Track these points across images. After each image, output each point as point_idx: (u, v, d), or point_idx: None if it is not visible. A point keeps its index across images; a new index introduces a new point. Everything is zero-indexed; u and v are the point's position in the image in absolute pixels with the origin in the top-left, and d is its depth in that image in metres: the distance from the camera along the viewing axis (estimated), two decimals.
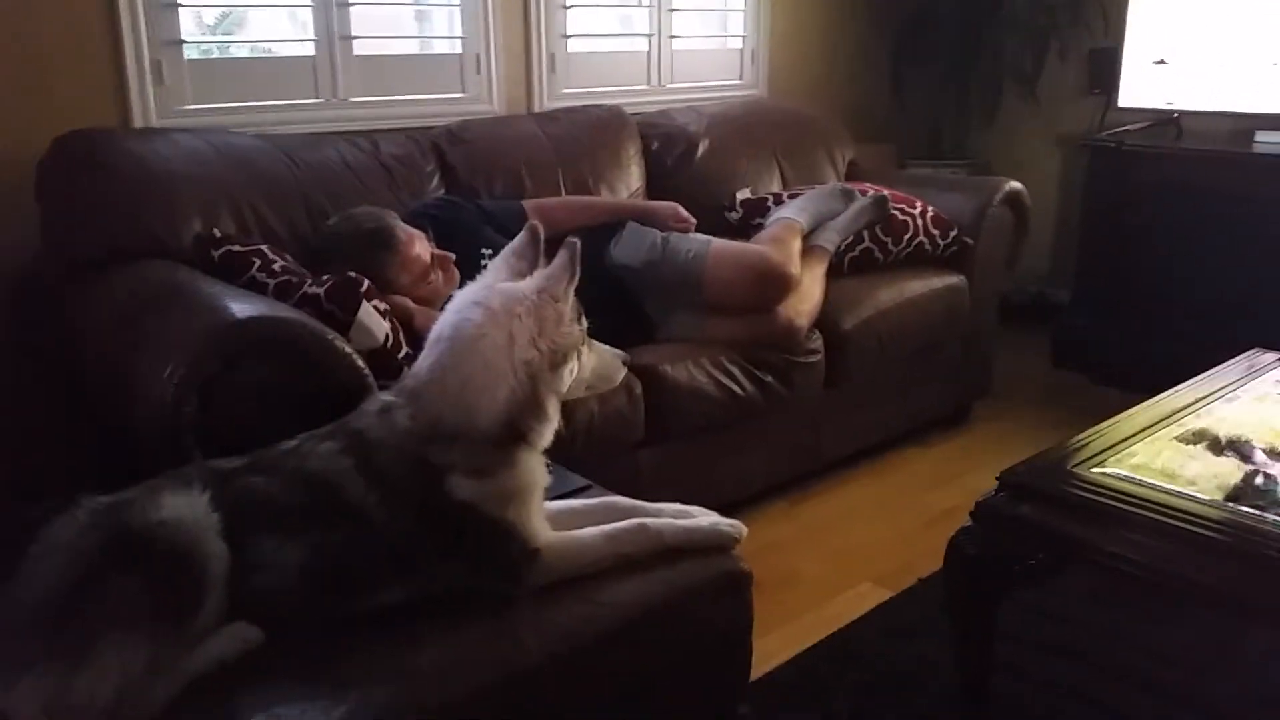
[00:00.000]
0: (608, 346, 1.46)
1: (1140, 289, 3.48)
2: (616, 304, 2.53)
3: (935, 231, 3.08)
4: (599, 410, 2.25)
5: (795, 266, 2.64)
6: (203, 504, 1.20)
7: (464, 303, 1.34)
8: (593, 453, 2.25)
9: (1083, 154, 3.67)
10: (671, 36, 3.59)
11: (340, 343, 1.77)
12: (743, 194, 3.22)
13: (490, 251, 2.36)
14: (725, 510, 2.54)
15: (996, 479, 1.72)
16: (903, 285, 2.97)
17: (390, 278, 2.15)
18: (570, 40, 3.33)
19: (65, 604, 1.11)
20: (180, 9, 2.53)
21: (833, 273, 2.88)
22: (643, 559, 1.38)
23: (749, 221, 3.07)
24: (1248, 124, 3.38)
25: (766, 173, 3.37)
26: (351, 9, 2.81)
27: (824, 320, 2.75)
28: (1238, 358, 2.33)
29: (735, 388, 2.53)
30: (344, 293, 1.96)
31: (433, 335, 1.35)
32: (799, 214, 2.91)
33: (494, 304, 1.32)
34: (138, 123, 2.48)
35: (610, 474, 2.30)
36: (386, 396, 1.33)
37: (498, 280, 1.37)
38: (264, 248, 2.18)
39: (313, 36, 2.77)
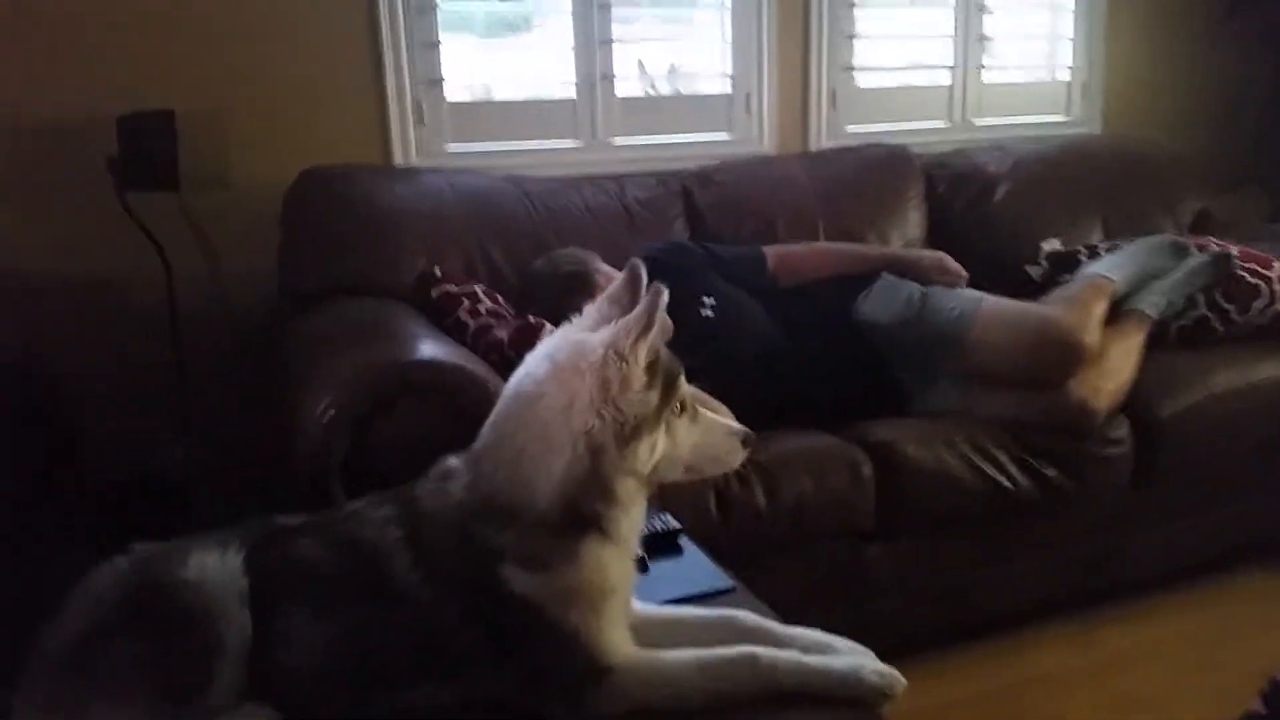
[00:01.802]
0: (723, 419, 1.14)
1: None
2: (863, 368, 2.21)
3: None
4: (812, 489, 1.93)
5: (1092, 334, 2.14)
6: (234, 565, 1.07)
7: (537, 355, 1.11)
8: (802, 541, 1.94)
9: None
10: (980, 68, 3.17)
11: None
12: (1049, 245, 2.72)
13: (713, 300, 2.15)
14: (982, 633, 2.19)
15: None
16: (1248, 365, 2.35)
17: None
18: (857, 74, 3.03)
19: (72, 658, 1.02)
20: (441, 47, 2.56)
21: (1154, 345, 2.32)
22: (745, 701, 1.05)
23: (1055, 278, 2.58)
24: None
25: (1082, 222, 2.84)
26: (614, 47, 2.72)
27: (1134, 403, 2.21)
28: None
29: (1002, 479, 2.09)
30: (525, 339, 1.81)
31: (504, 390, 1.14)
32: (1113, 270, 2.39)
33: (560, 358, 1.07)
34: (398, 160, 2.53)
35: (824, 570, 2.01)
36: (454, 459, 1.13)
37: (582, 329, 1.12)
38: (478, 289, 2.12)
39: (574, 79, 2.71)
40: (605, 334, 1.05)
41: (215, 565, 1.06)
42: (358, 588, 1.07)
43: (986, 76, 3.20)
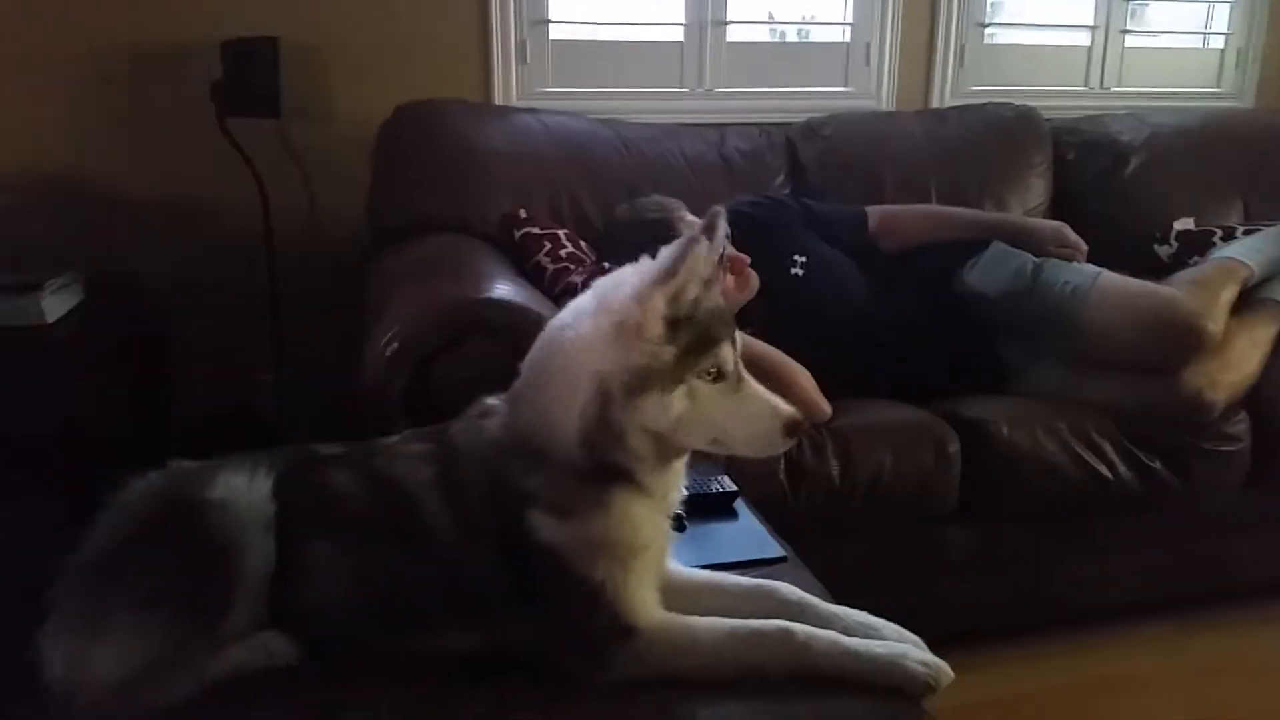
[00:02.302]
0: (771, 398, 1.03)
1: None
2: (962, 340, 2.09)
3: None
4: (891, 465, 1.83)
5: (1217, 320, 1.96)
6: (262, 490, 1.05)
7: (584, 294, 1.05)
8: (878, 518, 1.84)
9: None
10: (1124, 31, 2.94)
11: None
12: (1182, 224, 2.52)
13: (804, 259, 2.06)
14: (1060, 628, 2.06)
15: None
16: None
17: None
18: (989, 30, 2.85)
19: (99, 569, 1.02)
20: None
21: None
22: (778, 677, 0.99)
23: (1185, 259, 2.40)
24: None
25: (1221, 201, 2.62)
26: None
27: (1256, 398, 2.03)
28: None
29: (1103, 468, 1.94)
30: None
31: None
32: (1248, 255, 2.18)
33: (598, 296, 1.01)
34: (498, 100, 2.50)
35: (896, 551, 1.92)
36: (493, 400, 1.09)
37: (639, 274, 1.05)
38: (560, 233, 2.07)
39: (682, 21, 2.62)
40: (639, 276, 0.98)
41: (243, 488, 1.05)
42: (386, 524, 1.05)
43: (1130, 40, 2.96)
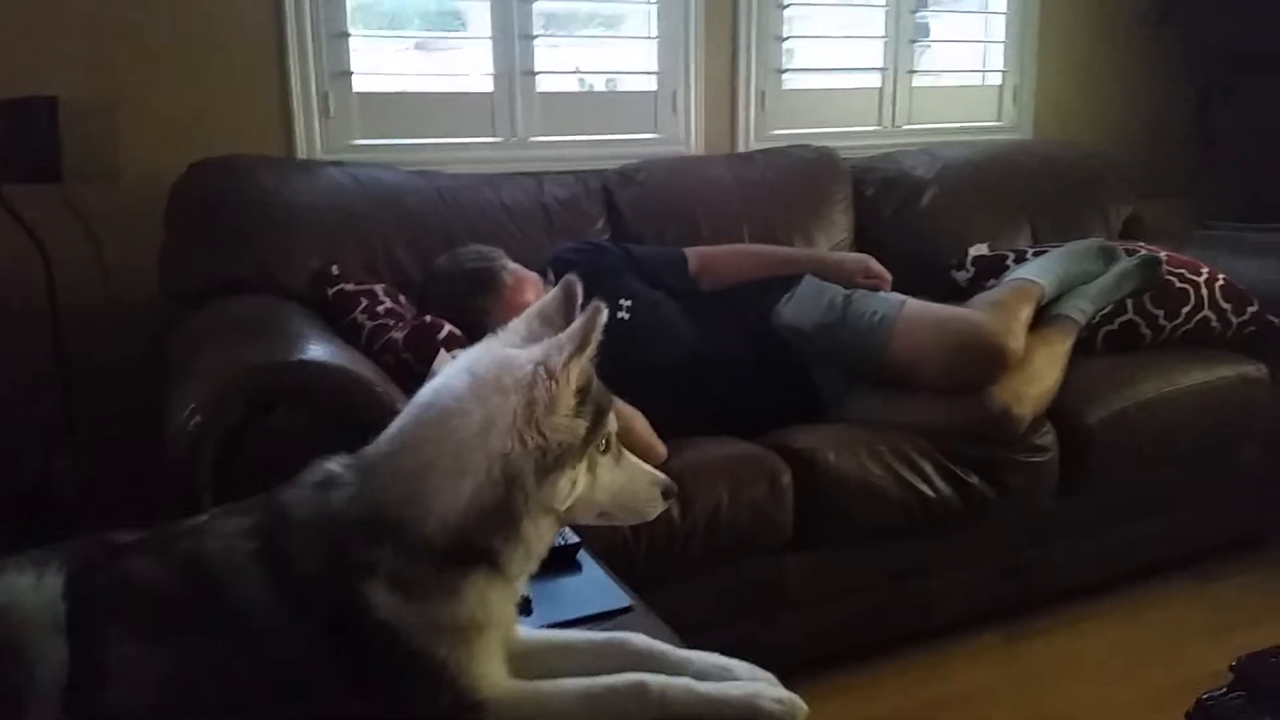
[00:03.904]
0: (645, 466, 1.04)
1: None
2: (784, 372, 2.13)
3: (1226, 305, 2.39)
4: (728, 500, 1.84)
5: (1016, 338, 2.09)
6: (51, 588, 0.94)
7: (457, 367, 1.00)
8: (717, 554, 1.85)
9: None
10: (911, 72, 3.13)
11: (392, 395, 1.51)
12: (977, 250, 2.68)
13: (629, 303, 2.07)
14: (902, 647, 2.10)
15: (1230, 667, 1.14)
16: (1176, 371, 2.32)
17: (492, 325, 1.87)
18: (785, 76, 2.97)
19: None
20: (351, 39, 2.45)
21: (1082, 350, 2.29)
22: None
23: (981, 282, 2.54)
24: None
25: (1011, 226, 2.81)
26: (535, 42, 2.62)
27: (1060, 410, 2.17)
28: None
29: (924, 487, 2.02)
30: (420, 339, 1.70)
31: (412, 401, 1.03)
32: (1040, 275, 2.34)
33: (482, 372, 0.97)
34: (301, 154, 2.41)
35: (740, 584, 1.92)
36: (335, 465, 1.02)
37: (507, 344, 1.01)
38: (377, 288, 2.00)
39: (491, 71, 2.61)
40: (536, 350, 0.94)
41: (29, 588, 0.94)
42: (199, 612, 0.95)
43: (917, 80, 3.16)
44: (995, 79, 3.32)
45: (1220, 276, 2.43)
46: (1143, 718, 1.93)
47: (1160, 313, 2.38)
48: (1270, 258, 2.54)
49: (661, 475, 1.03)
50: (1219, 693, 1.22)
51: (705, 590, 1.86)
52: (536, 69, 2.64)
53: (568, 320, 0.99)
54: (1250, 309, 2.41)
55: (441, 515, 0.93)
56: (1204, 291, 2.40)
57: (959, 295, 2.46)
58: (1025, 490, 2.13)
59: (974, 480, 2.06)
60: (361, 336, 1.84)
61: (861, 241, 2.70)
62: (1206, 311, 2.39)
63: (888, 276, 2.30)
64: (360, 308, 1.92)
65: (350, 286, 1.98)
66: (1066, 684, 2.06)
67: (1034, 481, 2.14)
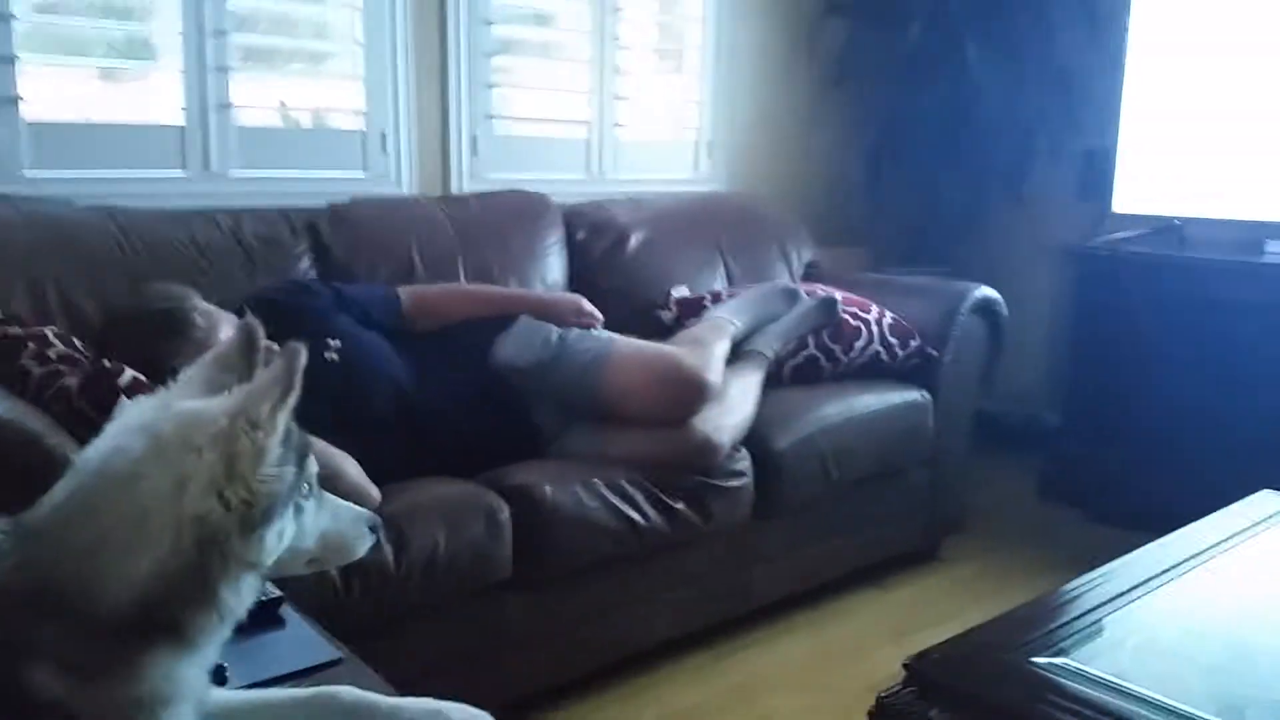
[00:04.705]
0: (347, 503, 1.01)
1: (1138, 413, 3.05)
2: (501, 411, 2.15)
3: (894, 340, 2.69)
4: (445, 541, 1.82)
5: (714, 373, 2.23)
6: None
7: (127, 427, 0.90)
8: (439, 597, 1.82)
9: (1074, 264, 3.29)
10: (615, 125, 3.28)
11: (65, 448, 1.38)
12: (679, 291, 2.85)
13: (339, 343, 2.01)
14: (623, 673, 2.16)
15: (904, 665, 1.28)
16: (853, 399, 2.56)
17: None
18: (498, 123, 3.03)
19: None
20: (20, 63, 2.23)
21: (772, 383, 2.48)
22: None
23: (683, 321, 2.69)
24: (1257, 233, 3.00)
25: (709, 270, 3.01)
26: (232, 75, 2.51)
27: (754, 438, 2.33)
28: (1242, 503, 1.88)
29: (636, 516, 2.10)
30: (98, 386, 1.57)
31: (78, 463, 0.93)
32: (734, 314, 2.53)
33: (164, 430, 0.88)
34: None
35: (464, 624, 1.90)
36: None
37: (184, 397, 0.94)
38: (48, 331, 1.81)
39: (182, 104, 2.46)
40: (229, 401, 0.87)
41: None
42: None
43: (622, 134, 3.32)
44: (693, 135, 3.55)
45: (888, 315, 2.72)
46: (843, 713, 2.08)
47: (837, 348, 2.63)
48: (929, 297, 2.87)
49: (366, 510, 1.01)
50: (894, 690, 1.35)
51: (426, 635, 1.83)
52: (236, 102, 2.52)
53: (250, 365, 0.94)
54: (913, 343, 2.71)
55: (118, 589, 0.84)
56: (874, 328, 2.67)
57: (664, 333, 2.59)
58: (726, 514, 2.26)
59: (680, 507, 2.17)
60: (30, 383, 1.66)
61: (575, 283, 2.79)
62: (877, 346, 2.67)
63: (599, 316, 2.38)
64: (28, 352, 1.73)
65: (16, 330, 1.79)
66: (770, 695, 2.19)
67: (733, 505, 2.28)
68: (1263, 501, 1.91)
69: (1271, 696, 1.37)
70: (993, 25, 3.56)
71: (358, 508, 1.01)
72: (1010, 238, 3.83)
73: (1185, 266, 3.04)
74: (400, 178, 2.83)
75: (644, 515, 2.11)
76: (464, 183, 2.94)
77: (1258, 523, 1.82)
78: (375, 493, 1.80)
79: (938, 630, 2.22)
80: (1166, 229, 3.17)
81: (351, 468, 1.78)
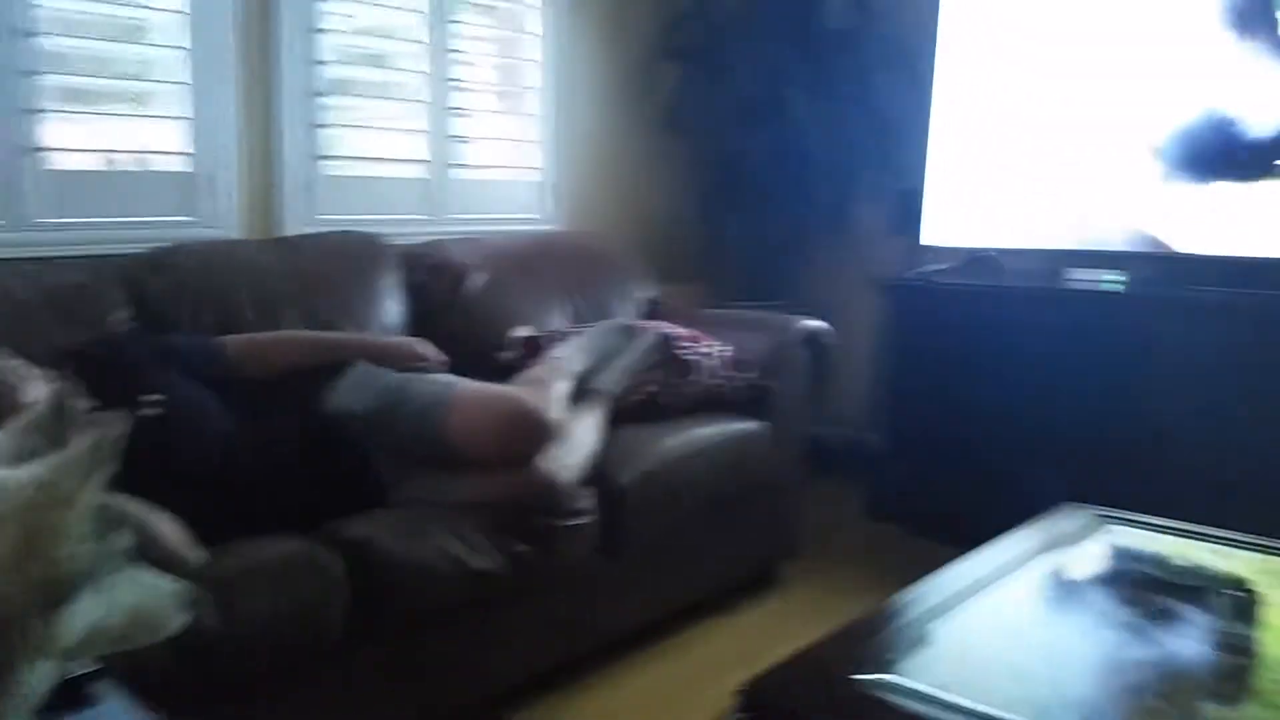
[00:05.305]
0: (160, 577, 0.96)
1: (954, 433, 3.25)
2: (338, 462, 2.11)
3: (729, 373, 2.78)
4: (275, 602, 1.77)
5: (555, 412, 2.26)
6: None
7: None
8: (269, 661, 1.76)
9: (891, 294, 3.48)
10: (454, 165, 3.28)
11: None
12: (521, 331, 2.86)
13: (160, 398, 1.93)
14: (475, 716, 2.17)
15: (736, 692, 1.33)
16: (691, 432, 2.63)
17: None
18: (334, 164, 2.98)
19: None
20: None
21: (614, 419, 2.52)
22: None
23: (527, 361, 2.70)
24: (1059, 261, 3.25)
25: (552, 309, 3.03)
26: (41, 117, 2.39)
27: (598, 475, 2.36)
28: (1047, 516, 2.04)
29: (479, 562, 2.08)
30: None
31: None
32: (575, 353, 2.56)
33: None
34: None
35: (301, 687, 1.84)
36: None
37: None
38: None
39: None
40: (38, 468, 0.83)
41: None
42: None
43: (461, 174, 3.32)
44: (532, 176, 3.59)
45: (724, 348, 2.81)
46: None
47: (677, 382, 2.70)
48: (762, 331, 2.99)
49: (181, 582, 0.97)
50: (729, 718, 1.39)
51: (263, 702, 1.76)
52: (49, 146, 2.40)
53: (63, 431, 0.91)
54: (748, 375, 2.81)
55: None
56: (711, 362, 2.76)
57: (506, 374, 2.59)
58: (572, 552, 2.28)
59: (526, 549, 2.17)
60: None
61: (415, 326, 2.76)
62: (714, 379, 2.75)
63: (441, 359, 2.37)
64: None
65: None
66: None
67: (579, 544, 2.30)
68: (1065, 516, 2.07)
69: (1075, 695, 1.49)
70: (813, 71, 3.75)
71: (171, 581, 0.97)
72: (836, 271, 4.03)
73: (991, 294, 3.27)
74: (229, 220, 2.75)
75: (488, 561, 2.10)
76: (295, 225, 2.88)
77: (1061, 536, 1.98)
78: (198, 555, 1.73)
79: (781, 652, 2.30)
80: (975, 260, 3.40)
81: (171, 531, 1.71)
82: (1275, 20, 2.86)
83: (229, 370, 2.18)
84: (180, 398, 1.97)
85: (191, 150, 2.69)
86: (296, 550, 1.86)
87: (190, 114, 2.66)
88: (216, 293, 2.41)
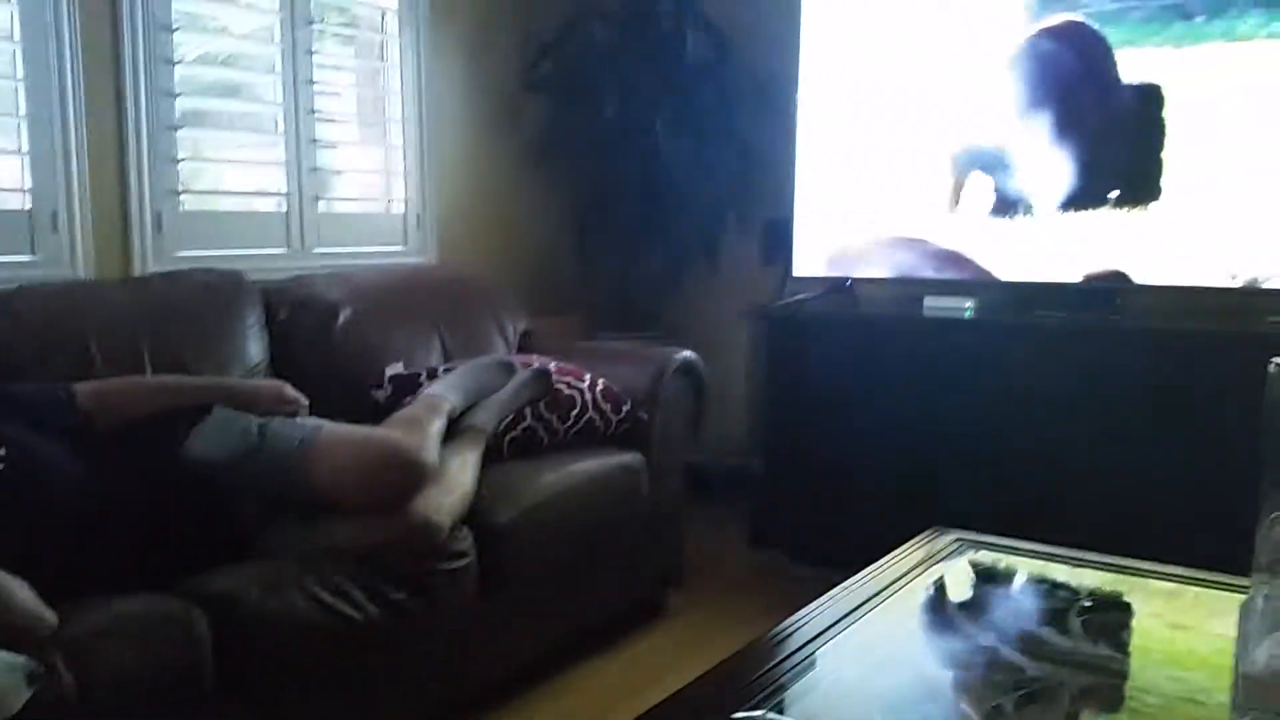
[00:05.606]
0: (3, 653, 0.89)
1: (826, 458, 3.32)
2: (198, 512, 2.00)
3: (606, 406, 2.78)
4: (135, 662, 1.66)
5: (430, 452, 2.20)
6: None
7: None
8: None
9: (763, 323, 3.56)
10: (317, 198, 3.19)
11: None
12: (393, 369, 2.80)
13: (4, 452, 1.81)
14: None
15: None
16: (570, 467, 2.62)
17: None
18: (187, 198, 2.86)
19: None
20: None
21: (492, 457, 2.48)
22: None
23: (399, 400, 2.64)
24: (917, 290, 3.37)
25: (424, 345, 2.98)
26: None
27: (475, 515, 2.31)
28: (916, 540, 2.10)
29: (352, 612, 2.01)
30: None
31: None
32: (449, 390, 2.51)
33: None
34: None
35: None
36: None
37: None
38: None
39: None
40: None
41: None
42: None
43: (325, 206, 3.23)
44: (399, 208, 3.52)
45: (600, 382, 2.81)
46: None
47: (554, 417, 2.68)
48: (637, 363, 3.00)
49: (21, 658, 0.91)
50: None
51: None
52: None
53: None
54: (625, 408, 2.82)
55: None
56: (588, 395, 2.75)
57: (379, 414, 2.52)
58: (450, 596, 2.22)
59: (401, 596, 2.10)
60: None
61: (278, 367, 2.66)
62: (591, 413, 2.75)
63: (303, 401, 2.28)
64: None
65: None
66: None
67: (457, 586, 2.24)
68: (932, 538, 2.14)
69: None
70: (679, 103, 3.81)
71: (11, 657, 0.91)
72: (709, 301, 4.09)
73: (857, 322, 3.37)
74: (75, 260, 2.60)
75: (360, 609, 2.03)
76: (148, 263, 2.75)
77: (929, 558, 2.03)
78: (50, 617, 1.61)
79: (669, 685, 2.29)
80: (840, 289, 3.50)
81: (21, 593, 1.58)
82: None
83: (79, 420, 2.05)
84: (27, 451, 1.84)
85: (28, 186, 2.53)
86: (158, 606, 1.76)
87: (25, 147, 2.51)
88: (64, 336, 2.27)
